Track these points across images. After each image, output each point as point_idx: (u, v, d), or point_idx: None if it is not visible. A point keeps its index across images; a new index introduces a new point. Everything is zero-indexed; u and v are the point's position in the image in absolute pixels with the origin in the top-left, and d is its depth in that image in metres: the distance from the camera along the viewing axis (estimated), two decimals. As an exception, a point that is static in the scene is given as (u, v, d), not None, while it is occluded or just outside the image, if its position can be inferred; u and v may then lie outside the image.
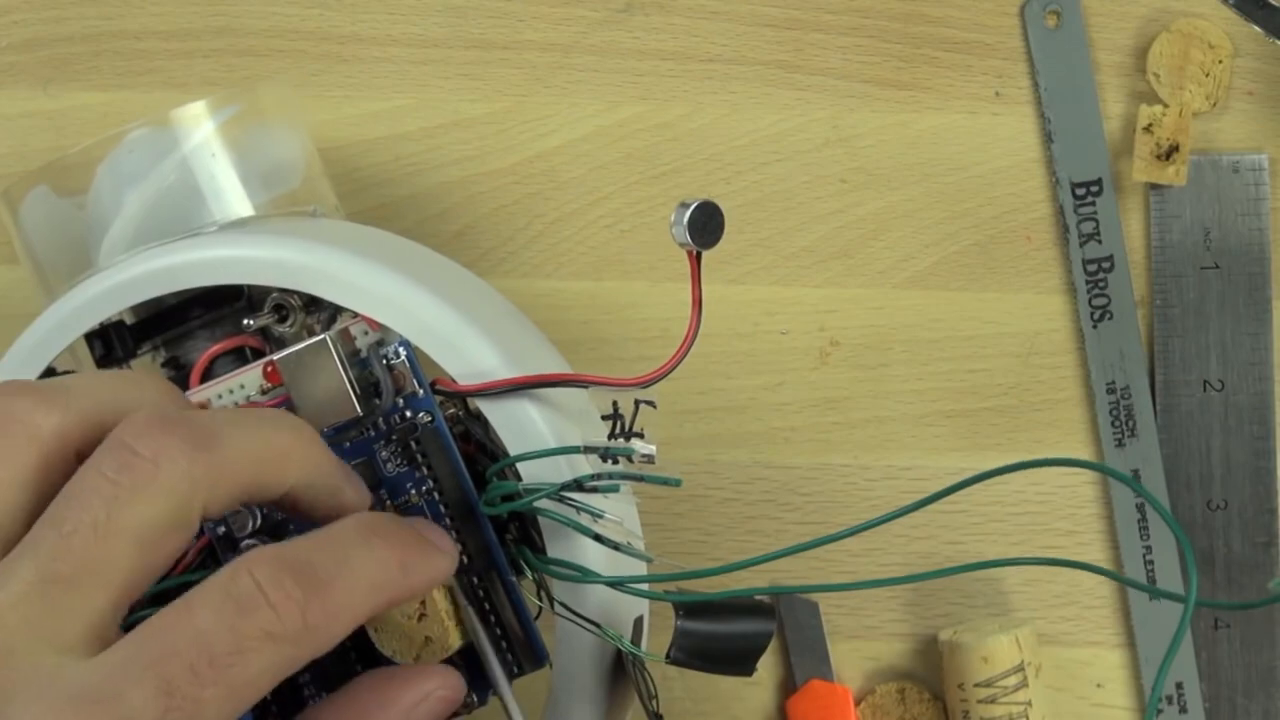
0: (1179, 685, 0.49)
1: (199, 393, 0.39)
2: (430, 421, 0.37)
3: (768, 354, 0.50)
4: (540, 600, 0.38)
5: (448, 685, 0.36)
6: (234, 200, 0.41)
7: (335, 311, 0.40)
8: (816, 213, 0.50)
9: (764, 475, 0.50)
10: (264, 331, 0.40)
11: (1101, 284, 0.49)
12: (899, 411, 0.50)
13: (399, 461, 0.38)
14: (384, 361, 0.38)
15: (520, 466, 0.37)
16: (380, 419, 0.38)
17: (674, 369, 0.36)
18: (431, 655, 0.36)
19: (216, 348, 0.40)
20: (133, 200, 0.41)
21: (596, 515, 0.36)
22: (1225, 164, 0.49)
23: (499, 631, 0.37)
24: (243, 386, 0.39)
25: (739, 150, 0.50)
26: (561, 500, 0.36)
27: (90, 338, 0.40)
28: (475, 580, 0.37)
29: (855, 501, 0.50)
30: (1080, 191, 0.49)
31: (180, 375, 0.41)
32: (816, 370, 0.50)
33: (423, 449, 0.37)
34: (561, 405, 0.38)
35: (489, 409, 0.37)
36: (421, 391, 0.38)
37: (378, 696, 0.35)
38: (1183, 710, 0.49)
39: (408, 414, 0.38)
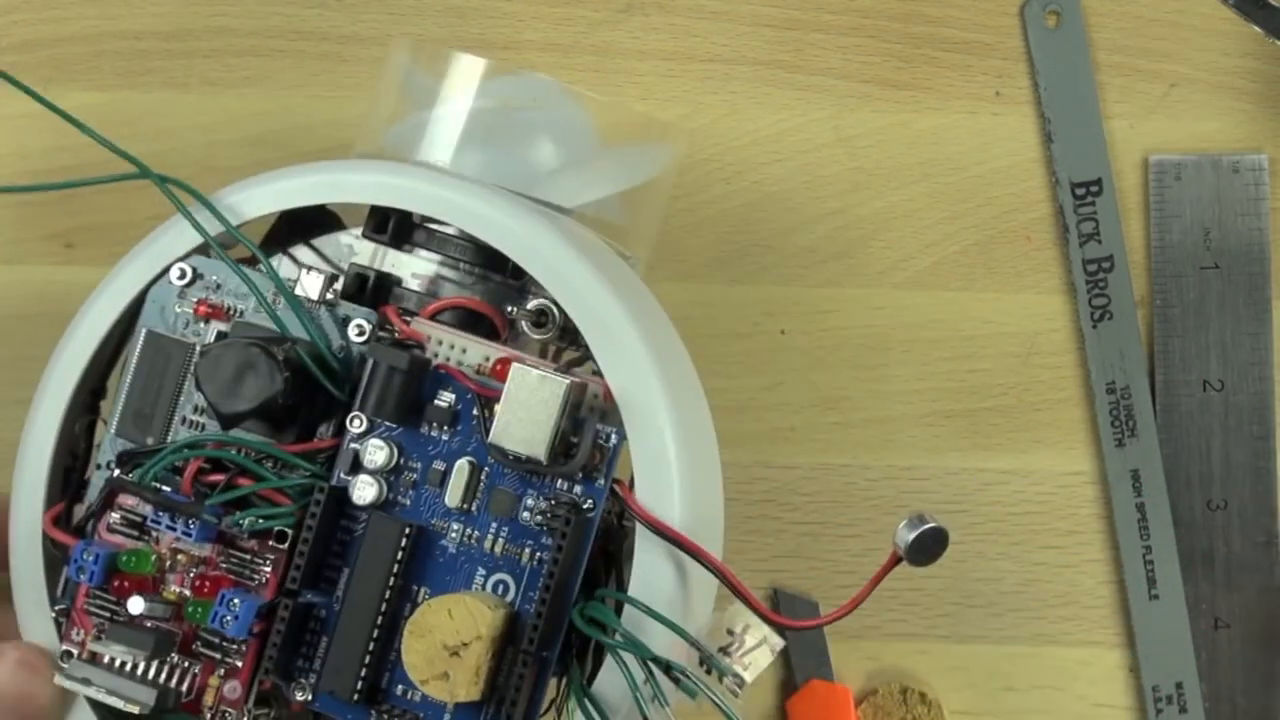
0: (1179, 685, 0.49)
1: (426, 326, 0.39)
2: (589, 511, 0.38)
3: (768, 354, 0.50)
4: (558, 714, 0.38)
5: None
6: (563, 183, 0.41)
7: (583, 359, 0.40)
8: (816, 213, 0.50)
9: (764, 475, 0.50)
10: (511, 320, 0.40)
11: (1101, 284, 0.49)
12: (899, 411, 0.50)
13: (537, 519, 0.38)
14: (595, 438, 0.38)
15: (627, 608, 0.37)
16: (551, 476, 0.38)
17: (831, 622, 0.37)
18: (439, 690, 0.36)
19: (464, 300, 0.40)
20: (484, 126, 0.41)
21: (662, 700, 0.36)
22: (1225, 164, 0.49)
23: (502, 710, 0.37)
24: (464, 351, 0.39)
25: (739, 150, 0.50)
26: (640, 662, 0.36)
27: (377, 210, 0.40)
28: (523, 660, 0.37)
29: (855, 501, 0.50)
30: (1080, 191, 0.49)
31: (396, 294, 0.41)
32: (816, 370, 0.50)
33: (566, 529, 0.37)
34: (697, 582, 0.38)
35: (643, 542, 0.38)
36: (603, 483, 0.38)
37: None
38: (1183, 710, 0.49)
39: (577, 490, 0.38)
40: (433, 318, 0.40)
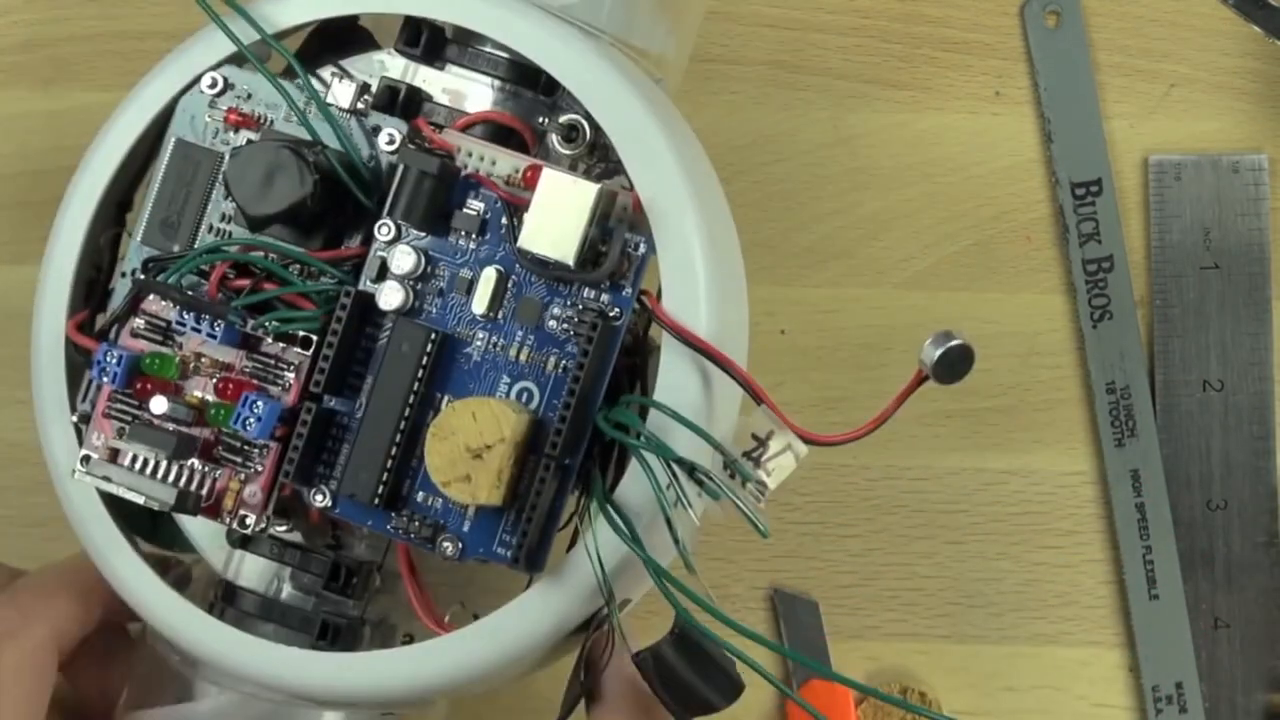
0: (1179, 685, 0.49)
1: (456, 137, 0.39)
2: (616, 319, 0.38)
3: (768, 354, 0.50)
4: (579, 523, 0.38)
5: None
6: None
7: (614, 172, 0.40)
8: (816, 213, 0.50)
9: (764, 475, 0.50)
10: (542, 135, 0.40)
11: (1101, 284, 0.49)
12: (899, 412, 0.50)
13: (563, 327, 0.38)
14: (623, 246, 0.38)
15: (652, 413, 0.37)
16: (579, 284, 0.38)
17: (846, 442, 0.37)
18: (460, 492, 0.36)
19: (495, 114, 0.40)
20: None
21: (686, 504, 0.36)
22: (1225, 164, 0.49)
23: (522, 516, 0.37)
24: (494, 163, 0.38)
25: (739, 150, 0.50)
26: (664, 465, 0.36)
27: (410, 24, 0.40)
28: (545, 465, 0.37)
29: (855, 501, 0.50)
30: (1080, 191, 0.49)
31: (428, 110, 0.40)
32: (816, 370, 0.50)
33: (592, 335, 0.37)
34: (722, 392, 0.38)
35: (669, 351, 0.38)
36: (630, 291, 0.38)
37: None
38: (1183, 710, 0.49)
39: (604, 299, 0.38)
40: (463, 132, 0.39)
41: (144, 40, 0.51)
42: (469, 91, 0.40)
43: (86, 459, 0.38)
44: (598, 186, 0.37)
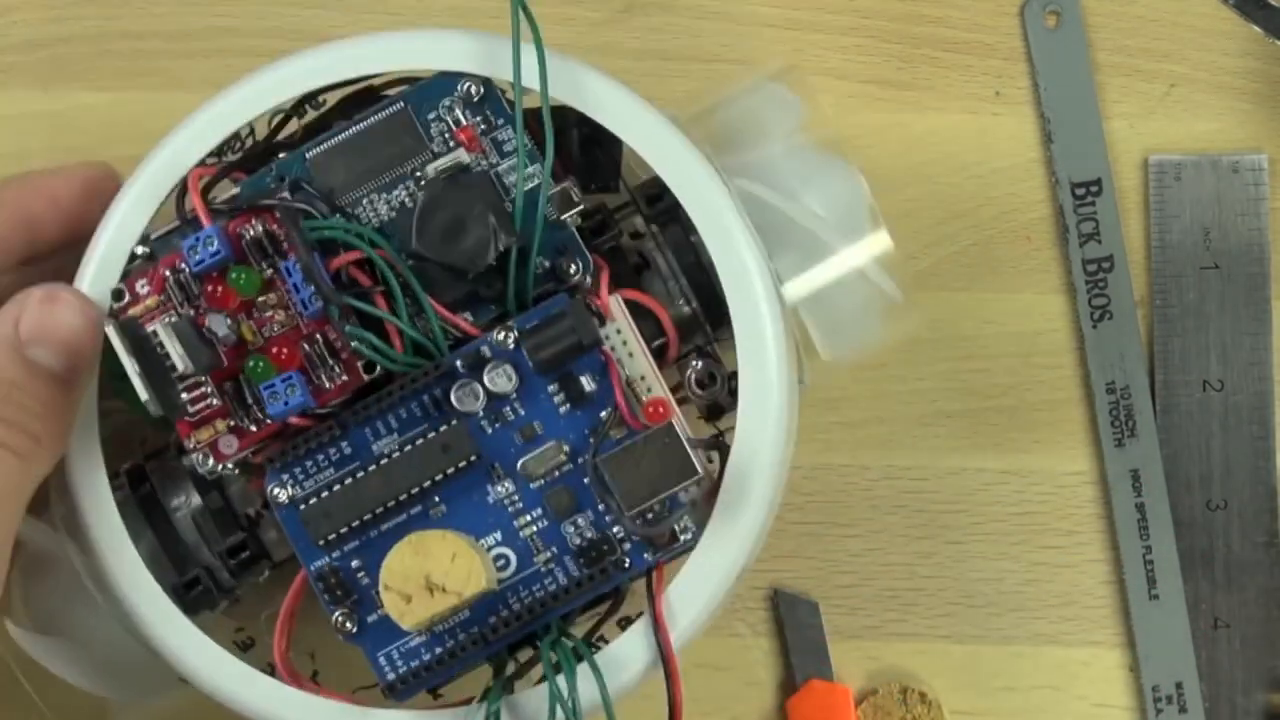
0: (1179, 685, 0.49)
1: (616, 307, 0.39)
2: (621, 576, 0.38)
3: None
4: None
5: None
6: None
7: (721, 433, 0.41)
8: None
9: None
10: (684, 358, 0.41)
11: (1101, 284, 0.49)
12: (899, 411, 0.50)
13: (575, 541, 0.38)
14: (677, 522, 0.38)
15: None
16: (617, 521, 0.38)
17: None
18: (391, 604, 0.37)
19: (662, 312, 0.40)
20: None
21: None
22: (1225, 164, 0.49)
23: (423, 656, 0.38)
24: (630, 355, 0.39)
25: (739, 150, 0.50)
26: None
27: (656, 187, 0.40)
28: (473, 639, 0.38)
29: (855, 501, 0.50)
30: (1080, 191, 0.49)
31: None
32: (816, 370, 0.50)
33: (590, 581, 0.38)
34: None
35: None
36: (650, 559, 0.38)
37: None
38: (1182, 710, 0.49)
39: (626, 547, 0.38)
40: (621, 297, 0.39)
41: (144, 40, 0.51)
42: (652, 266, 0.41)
43: (120, 294, 0.38)
44: (700, 475, 0.37)
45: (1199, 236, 0.49)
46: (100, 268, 0.39)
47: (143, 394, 0.37)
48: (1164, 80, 0.50)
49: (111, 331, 0.37)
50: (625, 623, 0.39)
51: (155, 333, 0.37)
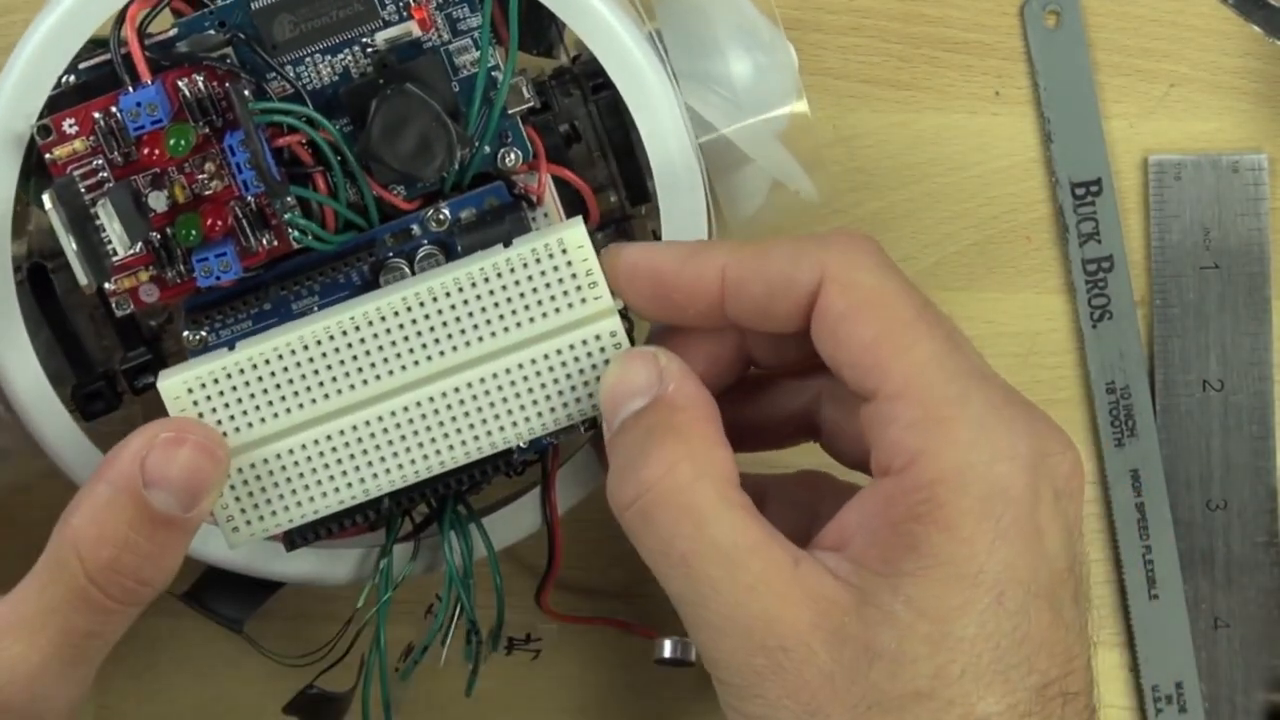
0: (1179, 685, 0.49)
1: (549, 193, 0.40)
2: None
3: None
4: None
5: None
6: None
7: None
8: (817, 212, 0.50)
9: (764, 475, 0.50)
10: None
11: (1101, 284, 0.49)
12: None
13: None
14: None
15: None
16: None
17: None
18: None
19: (586, 188, 0.41)
20: None
21: (443, 640, 0.41)
22: (1225, 164, 0.49)
23: None
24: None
25: (739, 150, 0.50)
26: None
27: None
28: None
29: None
30: (1080, 191, 0.49)
31: None
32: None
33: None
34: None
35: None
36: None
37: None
38: (1182, 710, 0.49)
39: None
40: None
41: (143, 40, 0.50)
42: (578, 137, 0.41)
43: (46, 131, 0.37)
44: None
45: (1199, 236, 0.49)
46: (19, 89, 0.38)
47: (82, 278, 0.37)
48: (1164, 80, 0.50)
49: (50, 205, 0.36)
50: (510, 469, 0.40)
51: (96, 214, 0.37)
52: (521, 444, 0.38)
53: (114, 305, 0.38)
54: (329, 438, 0.37)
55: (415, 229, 0.39)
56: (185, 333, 0.39)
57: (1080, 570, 0.36)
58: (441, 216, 0.39)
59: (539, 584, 0.43)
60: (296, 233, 0.38)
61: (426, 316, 0.37)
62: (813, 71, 0.50)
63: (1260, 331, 0.49)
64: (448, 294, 0.37)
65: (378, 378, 0.37)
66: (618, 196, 0.41)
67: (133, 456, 0.36)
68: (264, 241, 0.38)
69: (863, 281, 0.36)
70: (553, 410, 0.38)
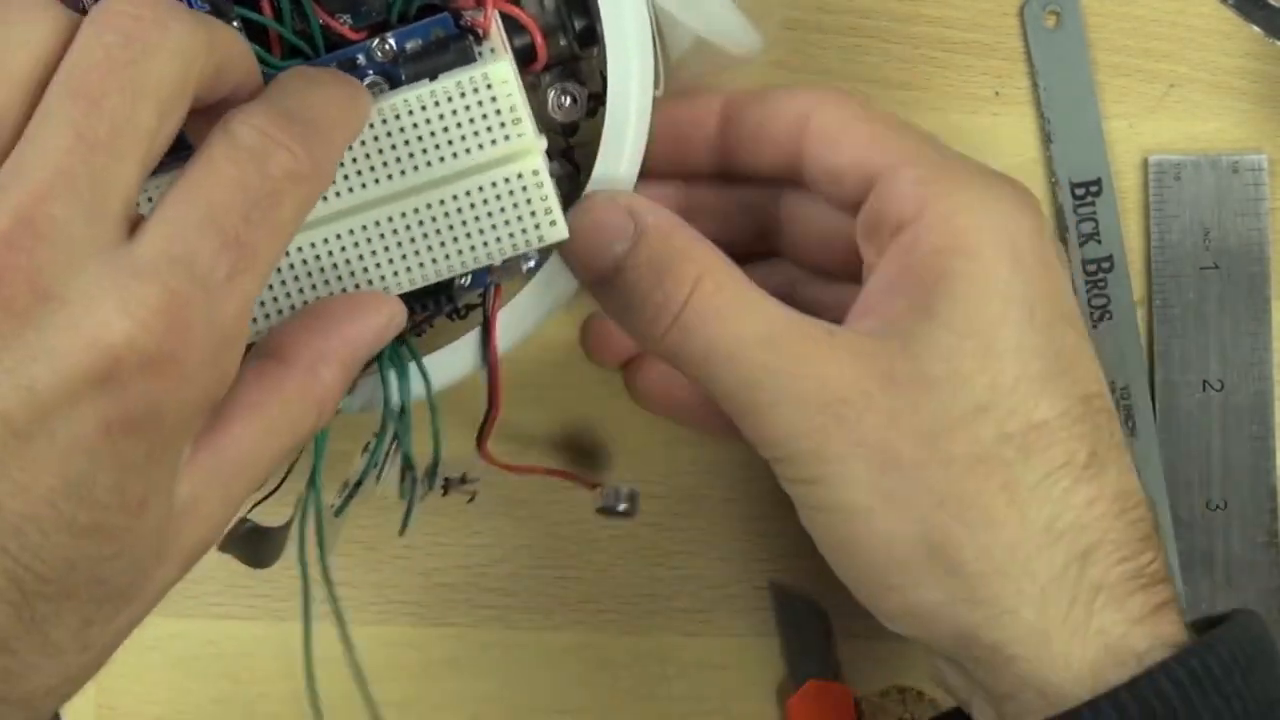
0: (1179, 685, 0.49)
1: (496, 31, 0.40)
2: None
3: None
4: None
5: (401, 315, 0.39)
6: None
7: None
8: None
9: (764, 475, 0.50)
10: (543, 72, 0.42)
11: (1101, 284, 0.49)
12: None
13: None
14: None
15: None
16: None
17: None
18: None
19: (529, 21, 0.41)
20: None
21: (377, 475, 0.41)
22: (1225, 164, 0.49)
23: None
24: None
25: (739, 150, 0.50)
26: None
27: None
28: None
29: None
30: (1080, 191, 0.49)
31: None
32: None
33: None
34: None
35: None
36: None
37: (349, 310, 0.37)
38: (1183, 710, 0.49)
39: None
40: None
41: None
42: None
43: None
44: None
45: (1199, 236, 0.49)
46: None
47: None
48: (1164, 80, 0.50)
49: None
50: (454, 314, 0.41)
51: None
52: (453, 277, 0.39)
53: None
54: None
55: (361, 59, 0.39)
56: None
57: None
58: (387, 47, 0.39)
59: (479, 430, 0.43)
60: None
61: (351, 148, 0.38)
62: (813, 71, 0.50)
63: (1260, 331, 0.49)
64: (372, 125, 0.38)
65: None
66: (567, 39, 0.41)
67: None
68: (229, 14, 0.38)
69: (851, 104, 0.41)
70: (486, 245, 0.39)
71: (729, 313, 0.38)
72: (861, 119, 0.41)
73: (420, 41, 0.39)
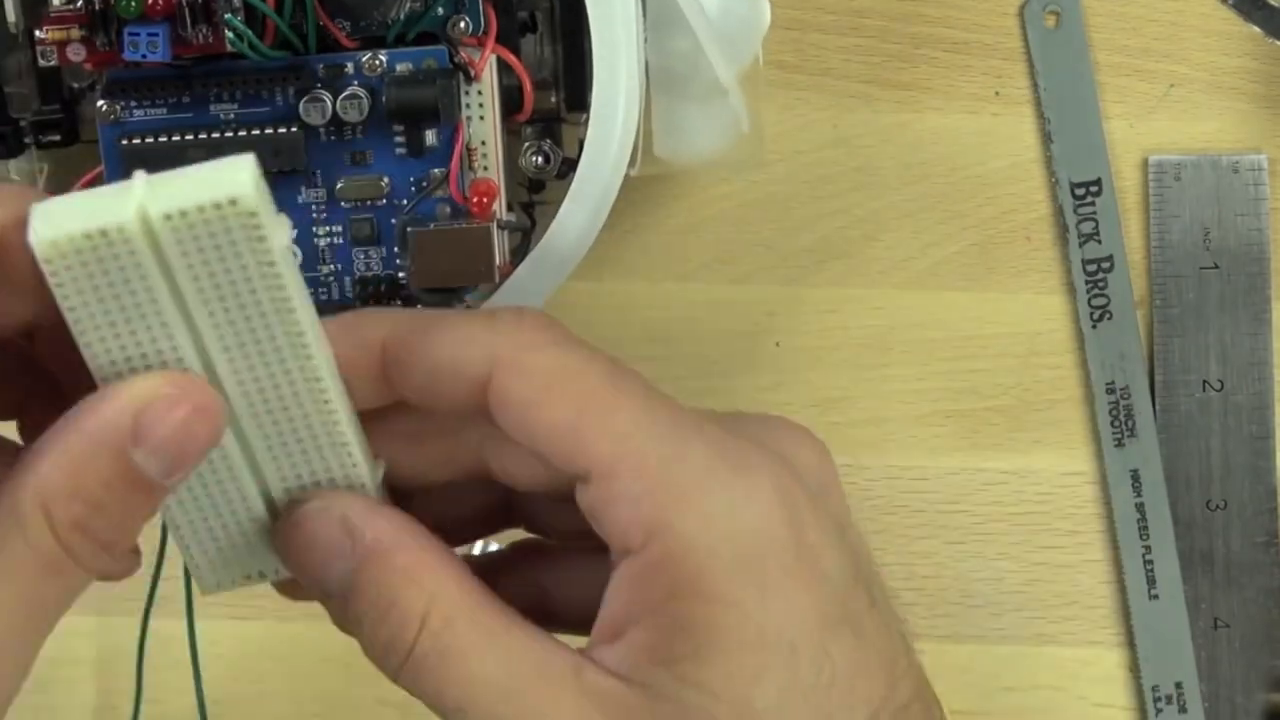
0: (1179, 685, 0.49)
1: (487, 74, 0.40)
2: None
3: (768, 354, 0.50)
4: None
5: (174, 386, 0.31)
6: None
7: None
8: (816, 213, 0.50)
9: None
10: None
11: (1101, 284, 0.49)
12: (899, 411, 0.50)
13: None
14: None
15: None
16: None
17: None
18: None
19: (524, 71, 0.41)
20: None
21: None
22: (1225, 164, 0.49)
23: None
24: (481, 118, 0.40)
25: (739, 150, 0.50)
26: None
27: None
28: None
29: (855, 501, 0.50)
30: (1080, 191, 0.49)
31: None
32: (816, 370, 0.50)
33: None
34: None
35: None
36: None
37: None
38: (1182, 710, 0.49)
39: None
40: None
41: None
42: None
43: None
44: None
45: (1199, 236, 0.49)
46: None
47: (10, 14, 0.38)
48: (1164, 80, 0.50)
49: None
50: None
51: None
52: None
53: (40, 55, 0.38)
54: None
55: (349, 67, 0.39)
56: (100, 102, 0.39)
57: (866, 566, 0.34)
58: (377, 63, 0.39)
59: None
60: (233, 35, 0.38)
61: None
62: (813, 71, 0.50)
63: (1260, 331, 0.49)
64: None
65: None
66: (557, 98, 0.41)
67: (123, 408, 0.31)
68: (200, 35, 0.38)
69: (540, 364, 0.32)
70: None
71: (460, 654, 0.32)
72: (555, 386, 0.32)
73: (410, 66, 0.39)
